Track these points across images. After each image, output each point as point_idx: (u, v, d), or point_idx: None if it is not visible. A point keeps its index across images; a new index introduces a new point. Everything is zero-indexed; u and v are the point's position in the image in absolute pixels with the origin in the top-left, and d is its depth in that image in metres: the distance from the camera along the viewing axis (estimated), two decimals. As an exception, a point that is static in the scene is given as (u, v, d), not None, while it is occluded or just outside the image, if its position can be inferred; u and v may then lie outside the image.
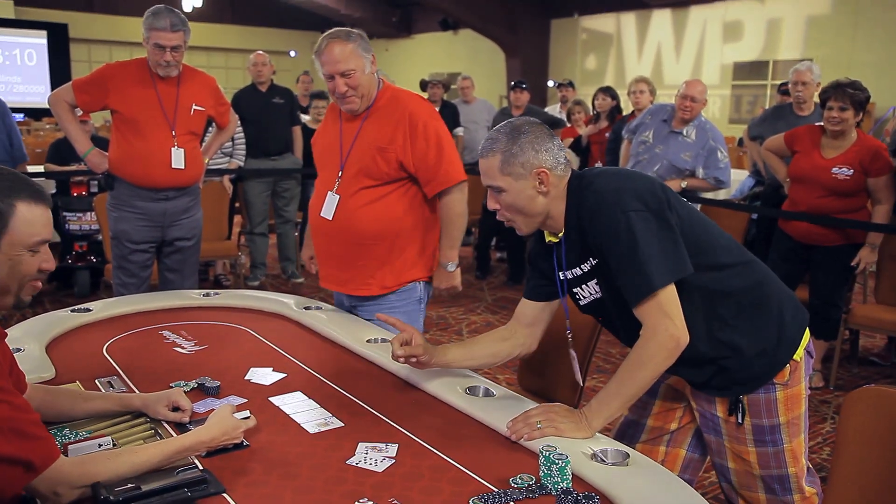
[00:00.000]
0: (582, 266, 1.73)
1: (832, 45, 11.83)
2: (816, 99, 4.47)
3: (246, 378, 1.95)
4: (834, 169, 3.59)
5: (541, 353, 2.29)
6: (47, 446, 1.27)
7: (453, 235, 2.50)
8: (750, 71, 13.24)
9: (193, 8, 16.11)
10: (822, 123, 3.72)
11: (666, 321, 1.59)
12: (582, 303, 1.81)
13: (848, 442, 1.64)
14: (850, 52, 11.64)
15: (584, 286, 1.76)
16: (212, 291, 2.71)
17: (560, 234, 1.75)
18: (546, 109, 7.47)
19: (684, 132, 4.31)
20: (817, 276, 3.81)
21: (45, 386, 1.69)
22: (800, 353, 1.76)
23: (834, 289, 3.78)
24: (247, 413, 1.66)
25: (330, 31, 2.37)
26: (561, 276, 1.79)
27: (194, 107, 3.37)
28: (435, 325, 4.96)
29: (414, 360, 1.81)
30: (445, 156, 2.40)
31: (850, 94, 3.46)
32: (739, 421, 1.75)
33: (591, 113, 6.36)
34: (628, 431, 1.98)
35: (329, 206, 2.44)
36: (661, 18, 14.35)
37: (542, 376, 2.43)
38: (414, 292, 2.52)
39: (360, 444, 1.58)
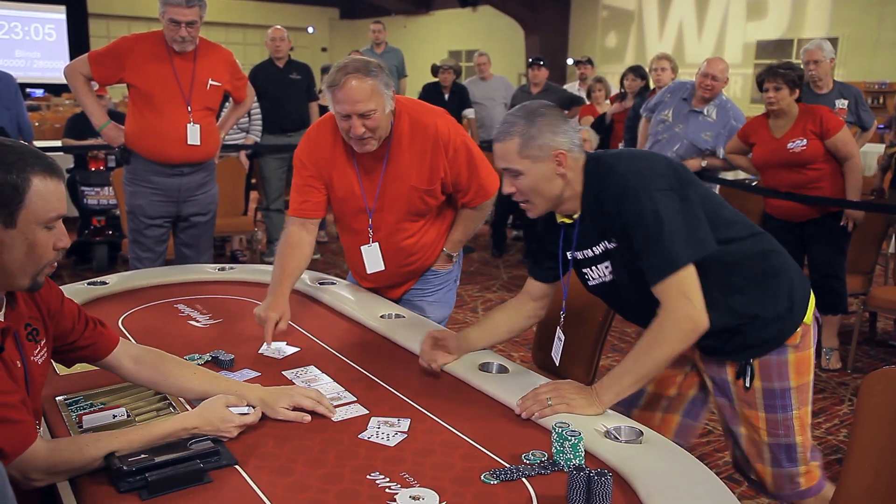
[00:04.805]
0: (595, 248, 1.74)
1: (859, 23, 11.56)
2: (835, 76, 4.44)
3: (259, 352, 1.96)
4: (789, 144, 3.71)
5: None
6: (22, 432, 1.24)
7: (469, 229, 2.46)
8: (774, 50, 12.97)
9: (211, -17, 16.05)
10: (768, 110, 3.83)
11: (685, 302, 1.59)
12: (590, 283, 1.83)
13: (865, 423, 1.63)
14: (877, 31, 11.38)
15: (594, 267, 1.78)
16: (227, 266, 2.72)
17: (575, 216, 1.74)
18: (565, 87, 7.40)
19: (705, 111, 4.24)
20: (814, 250, 3.85)
21: (160, 352, 1.63)
22: (809, 317, 1.79)
23: (832, 260, 3.81)
24: (246, 409, 1.51)
25: (346, 62, 2.08)
26: (569, 255, 1.80)
27: (210, 82, 3.36)
28: (450, 303, 4.95)
29: (434, 364, 1.84)
30: (479, 170, 2.31)
31: (781, 74, 3.70)
32: (746, 385, 1.78)
33: (618, 91, 6.29)
34: (627, 398, 1.99)
35: (374, 261, 2.35)
36: (684, -5, 14.10)
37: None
38: (451, 273, 2.51)
39: (372, 418, 1.58)
